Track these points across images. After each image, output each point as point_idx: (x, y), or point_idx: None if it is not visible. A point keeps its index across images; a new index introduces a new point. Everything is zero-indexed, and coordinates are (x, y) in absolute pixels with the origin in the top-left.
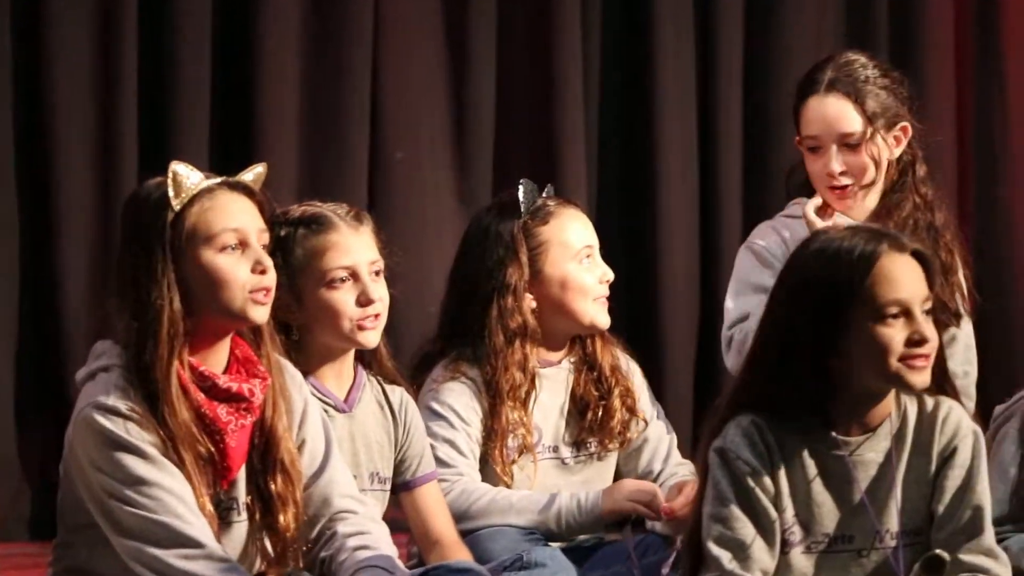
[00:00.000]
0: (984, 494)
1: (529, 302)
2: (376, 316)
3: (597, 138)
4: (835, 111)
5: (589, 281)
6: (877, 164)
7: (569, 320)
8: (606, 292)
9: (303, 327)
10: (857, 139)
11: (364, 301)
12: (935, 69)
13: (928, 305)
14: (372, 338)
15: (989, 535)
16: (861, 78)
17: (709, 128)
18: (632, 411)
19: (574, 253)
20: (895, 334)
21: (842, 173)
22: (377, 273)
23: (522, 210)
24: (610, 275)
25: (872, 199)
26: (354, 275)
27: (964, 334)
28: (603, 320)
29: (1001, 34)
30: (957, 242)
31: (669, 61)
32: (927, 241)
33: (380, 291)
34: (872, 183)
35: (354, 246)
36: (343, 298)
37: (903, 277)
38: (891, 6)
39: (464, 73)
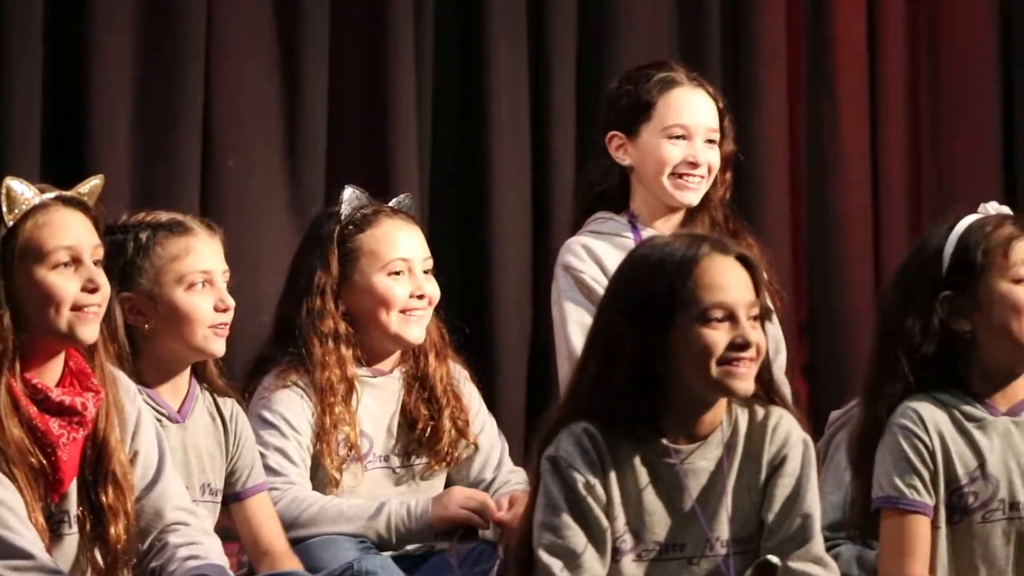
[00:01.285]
0: (814, 502)
1: (338, 306)
2: (226, 324)
3: (431, 146)
4: (705, 105)
5: (398, 293)
6: (723, 166)
7: (376, 330)
8: (419, 306)
9: (152, 332)
10: (717, 137)
11: (222, 307)
12: (767, 76)
13: (755, 311)
14: (222, 346)
15: (818, 543)
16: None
17: (542, 139)
18: (462, 433)
19: (383, 264)
20: (718, 337)
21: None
22: (226, 283)
23: (342, 216)
24: (426, 290)
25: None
26: (210, 280)
27: (772, 327)
28: (411, 334)
29: (833, 44)
30: (756, 244)
31: (503, 76)
32: None
33: (231, 300)
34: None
35: (211, 252)
36: (200, 302)
37: (727, 280)
38: (724, 20)
39: (296, 80)
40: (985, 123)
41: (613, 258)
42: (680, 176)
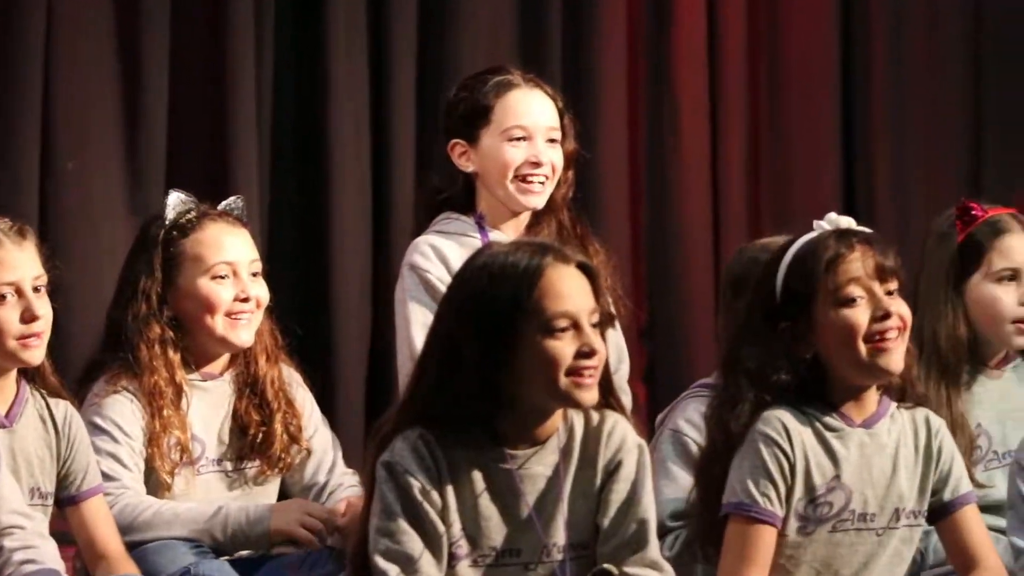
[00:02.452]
0: (649, 507)
1: (163, 311)
2: (40, 334)
3: (271, 149)
4: (543, 105)
5: (222, 296)
6: (566, 164)
7: (204, 334)
8: (245, 309)
9: None
10: (558, 136)
11: (28, 318)
12: (608, 82)
13: (595, 318)
14: (36, 356)
15: (654, 548)
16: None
17: (383, 141)
18: (294, 439)
19: (206, 268)
20: (564, 347)
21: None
22: (40, 289)
23: (166, 221)
24: (251, 293)
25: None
26: (18, 291)
27: (615, 334)
28: (238, 337)
29: (673, 50)
30: (602, 251)
31: (343, 78)
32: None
33: (44, 308)
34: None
35: (18, 262)
36: (7, 315)
37: (570, 289)
38: (564, 23)
39: (136, 82)
40: (824, 131)
41: (460, 258)
42: (524, 179)
